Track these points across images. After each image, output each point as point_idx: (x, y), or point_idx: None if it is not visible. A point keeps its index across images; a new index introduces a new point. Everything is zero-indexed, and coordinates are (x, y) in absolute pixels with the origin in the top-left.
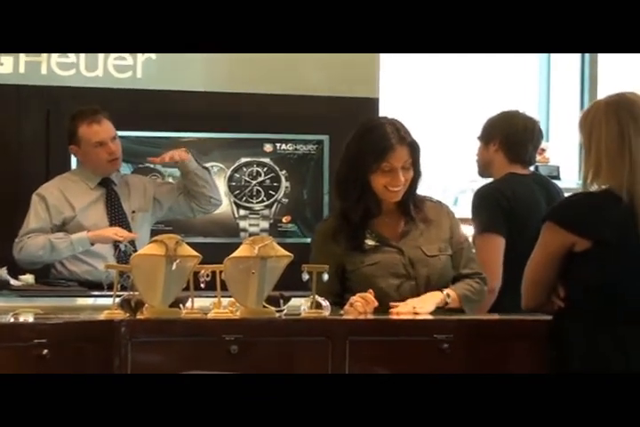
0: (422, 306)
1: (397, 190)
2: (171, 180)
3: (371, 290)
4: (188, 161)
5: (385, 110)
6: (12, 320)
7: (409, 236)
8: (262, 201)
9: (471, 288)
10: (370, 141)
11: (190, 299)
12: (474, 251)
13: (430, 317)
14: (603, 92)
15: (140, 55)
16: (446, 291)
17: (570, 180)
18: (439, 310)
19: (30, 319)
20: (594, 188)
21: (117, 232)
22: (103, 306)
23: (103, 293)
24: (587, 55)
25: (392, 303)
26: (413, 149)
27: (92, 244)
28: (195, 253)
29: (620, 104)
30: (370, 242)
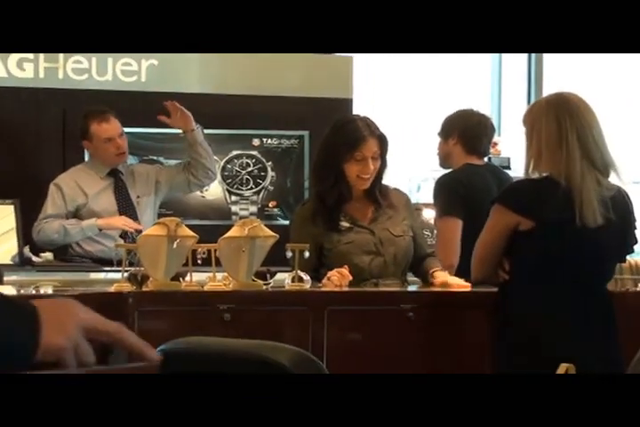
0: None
1: (367, 178)
2: None
3: (346, 266)
4: (196, 131)
5: (357, 109)
6: (33, 292)
7: (378, 219)
8: (251, 188)
9: (439, 265)
10: (345, 134)
11: (189, 273)
12: (435, 232)
13: (397, 289)
14: (547, 92)
15: (144, 61)
16: (443, 270)
17: (519, 169)
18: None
19: (50, 291)
20: (535, 175)
21: (126, 223)
22: (113, 280)
23: (113, 268)
24: (533, 59)
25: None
26: (382, 141)
27: (101, 230)
28: (193, 233)
29: (559, 102)
30: (344, 224)
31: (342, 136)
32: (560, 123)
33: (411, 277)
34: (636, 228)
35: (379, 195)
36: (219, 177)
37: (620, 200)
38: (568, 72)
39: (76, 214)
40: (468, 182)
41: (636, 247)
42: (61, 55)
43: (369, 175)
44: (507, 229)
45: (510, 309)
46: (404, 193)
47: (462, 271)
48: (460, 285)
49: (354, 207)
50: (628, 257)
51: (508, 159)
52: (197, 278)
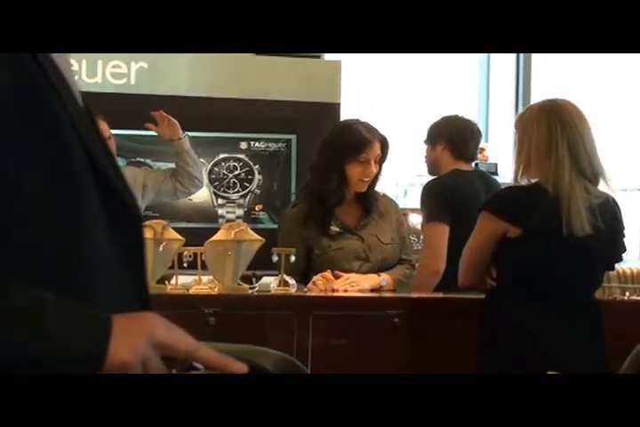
0: (360, 284)
1: (367, 180)
2: None
3: (329, 270)
4: (182, 140)
5: (345, 113)
6: None
7: (367, 225)
8: (238, 191)
9: (404, 273)
10: (350, 136)
11: (175, 276)
12: (421, 237)
13: (384, 294)
14: (535, 99)
15: (133, 64)
16: (383, 276)
17: (506, 175)
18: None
19: None
20: (524, 181)
21: None
22: None
23: None
24: (521, 65)
25: (337, 272)
26: (384, 145)
27: None
28: (179, 236)
29: (551, 109)
30: (334, 228)
31: (348, 138)
32: (551, 129)
33: None
34: (624, 236)
35: (372, 199)
36: (206, 180)
37: (608, 208)
38: (556, 79)
39: None
40: (456, 188)
41: (624, 255)
42: None
43: (369, 178)
44: (494, 235)
45: (497, 316)
46: (391, 199)
47: (449, 277)
48: (339, 288)
49: (343, 211)
50: (616, 265)
51: (496, 165)
52: (183, 281)
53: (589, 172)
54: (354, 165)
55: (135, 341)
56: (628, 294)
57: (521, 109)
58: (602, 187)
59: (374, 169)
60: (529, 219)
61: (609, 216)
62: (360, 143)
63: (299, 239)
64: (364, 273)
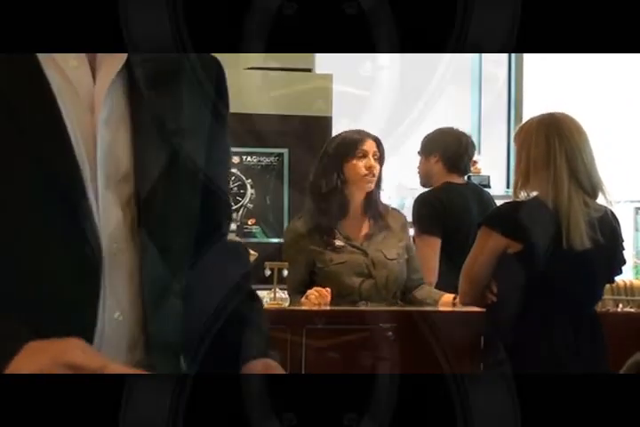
0: None
1: (371, 176)
2: None
3: (328, 288)
4: None
5: (337, 127)
6: None
7: (372, 239)
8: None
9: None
10: (344, 138)
11: None
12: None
13: (376, 308)
14: (526, 115)
15: None
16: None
17: (498, 188)
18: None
19: None
20: (523, 194)
21: None
22: None
23: None
24: (513, 78)
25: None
26: (378, 142)
27: None
28: None
29: (550, 122)
30: (338, 242)
31: (342, 140)
32: (549, 143)
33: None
34: (624, 248)
35: (380, 209)
36: None
37: (607, 221)
38: (548, 92)
39: None
40: (448, 200)
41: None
42: None
43: (373, 173)
44: (495, 251)
45: (499, 330)
46: (402, 214)
47: (441, 289)
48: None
49: (349, 224)
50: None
51: (488, 178)
52: None
53: (588, 185)
54: (354, 162)
55: (41, 360)
56: (621, 305)
57: (513, 123)
58: (600, 200)
59: (375, 163)
60: (529, 234)
61: (608, 229)
62: (353, 141)
63: (302, 252)
64: (367, 290)
